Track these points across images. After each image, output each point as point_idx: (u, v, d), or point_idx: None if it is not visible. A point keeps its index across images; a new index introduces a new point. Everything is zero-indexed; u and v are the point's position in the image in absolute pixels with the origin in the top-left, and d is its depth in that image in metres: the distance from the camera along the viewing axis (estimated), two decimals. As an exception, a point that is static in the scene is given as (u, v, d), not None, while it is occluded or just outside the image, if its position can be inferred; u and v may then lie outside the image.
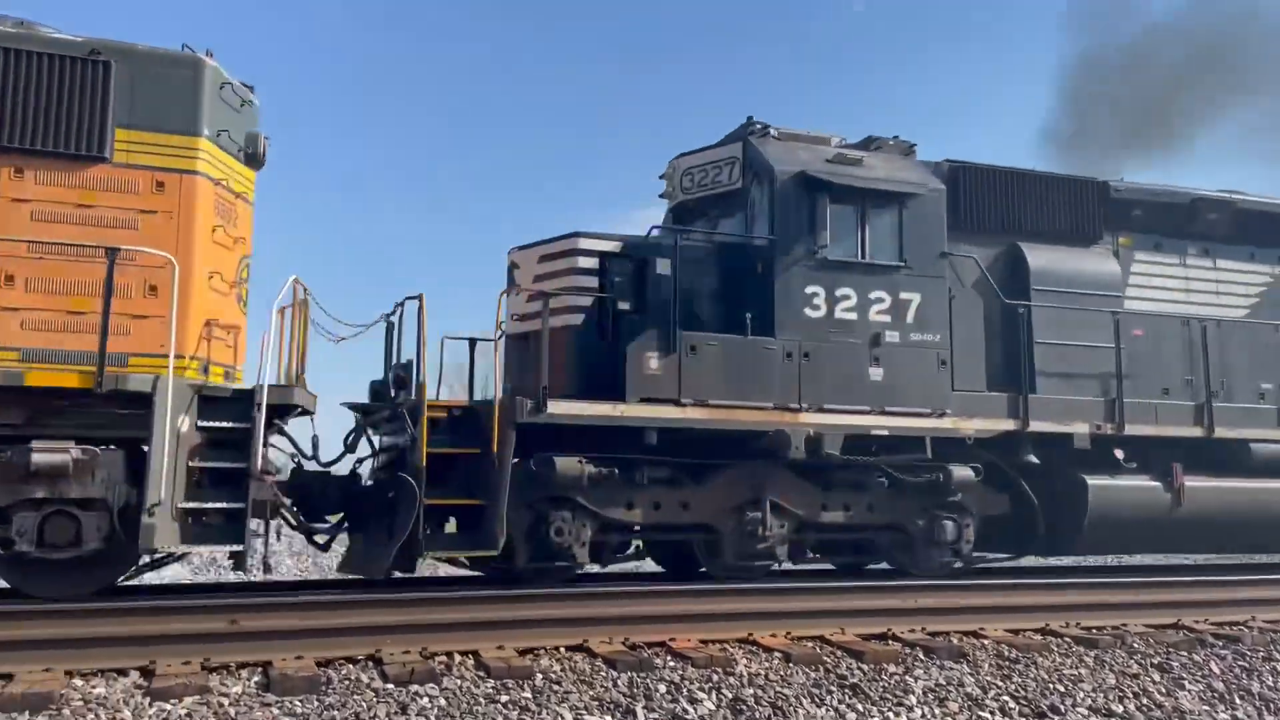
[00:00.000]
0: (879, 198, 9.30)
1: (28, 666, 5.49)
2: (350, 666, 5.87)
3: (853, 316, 9.08)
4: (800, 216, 9.04)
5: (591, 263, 8.85)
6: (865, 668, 6.45)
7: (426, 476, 7.66)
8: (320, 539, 8.40)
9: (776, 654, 6.57)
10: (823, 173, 9.14)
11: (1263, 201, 11.50)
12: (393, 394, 8.17)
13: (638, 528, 8.63)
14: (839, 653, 6.69)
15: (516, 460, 7.99)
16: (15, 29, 7.54)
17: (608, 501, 8.37)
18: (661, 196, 10.25)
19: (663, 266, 8.98)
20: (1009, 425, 9.49)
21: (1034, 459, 9.65)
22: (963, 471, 9.20)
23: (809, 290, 8.98)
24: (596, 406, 8.25)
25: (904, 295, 9.27)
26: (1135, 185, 10.97)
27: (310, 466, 8.32)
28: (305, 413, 8.49)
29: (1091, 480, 9.64)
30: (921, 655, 6.78)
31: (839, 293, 9.07)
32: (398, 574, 8.35)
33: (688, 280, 8.95)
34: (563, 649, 6.39)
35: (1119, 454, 9.87)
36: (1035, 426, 9.55)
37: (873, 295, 9.17)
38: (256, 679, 5.62)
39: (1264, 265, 11.44)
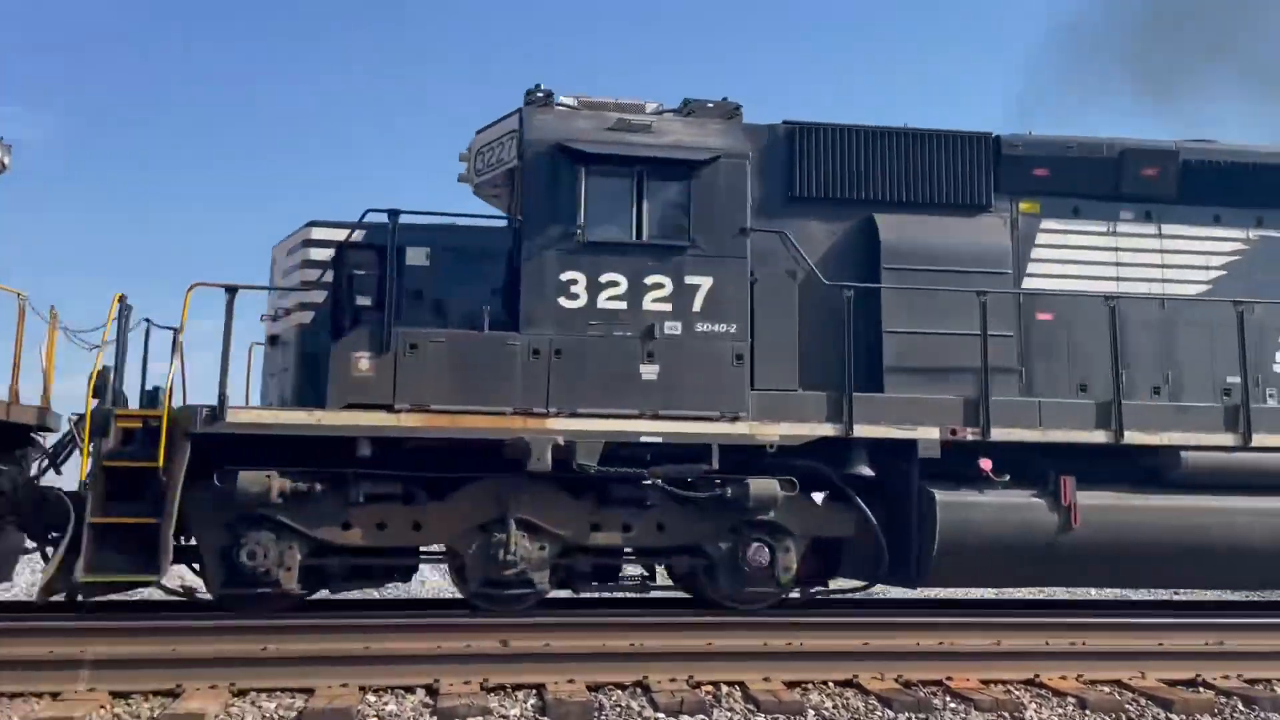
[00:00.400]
0: (661, 167, 7.97)
1: (327, 681, 5.81)
2: (619, 693, 5.94)
3: (621, 306, 7.79)
4: (555, 193, 7.85)
5: (325, 254, 7.97)
6: (1176, 718, 5.92)
7: (108, 492, 7.09)
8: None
9: (1070, 699, 6.11)
10: (584, 143, 7.90)
11: (1229, 151, 9.23)
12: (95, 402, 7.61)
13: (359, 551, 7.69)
14: (1142, 700, 6.14)
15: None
16: None
17: (318, 521, 7.48)
18: (461, 180, 9.22)
19: (415, 256, 8.05)
20: (828, 430, 7.89)
21: (867, 471, 8.00)
22: (764, 485, 7.72)
23: (565, 277, 7.77)
24: (289, 414, 7.40)
25: (690, 280, 7.89)
26: (1040, 139, 9.01)
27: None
28: (43, 428, 8.19)
29: (942, 496, 7.90)
30: (1240, 706, 6.10)
31: (604, 279, 7.81)
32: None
33: (444, 271, 7.99)
34: (831, 683, 6.21)
35: (985, 464, 8.02)
36: (862, 431, 7.91)
37: (649, 281, 7.85)
38: (532, 702, 5.76)
39: (1233, 230, 9.16)
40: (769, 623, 6.94)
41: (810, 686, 6.15)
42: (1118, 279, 8.90)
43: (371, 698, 5.72)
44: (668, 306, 7.84)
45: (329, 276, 7.97)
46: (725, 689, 6.06)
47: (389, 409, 7.41)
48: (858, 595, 9.36)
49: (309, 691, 5.72)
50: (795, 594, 8.51)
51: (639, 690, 5.98)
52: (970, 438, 8.00)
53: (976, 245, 8.63)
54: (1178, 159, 9.00)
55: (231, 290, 7.40)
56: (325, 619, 6.89)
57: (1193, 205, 9.04)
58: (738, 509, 7.76)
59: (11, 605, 9.14)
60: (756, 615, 7.46)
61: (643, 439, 7.62)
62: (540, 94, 8.46)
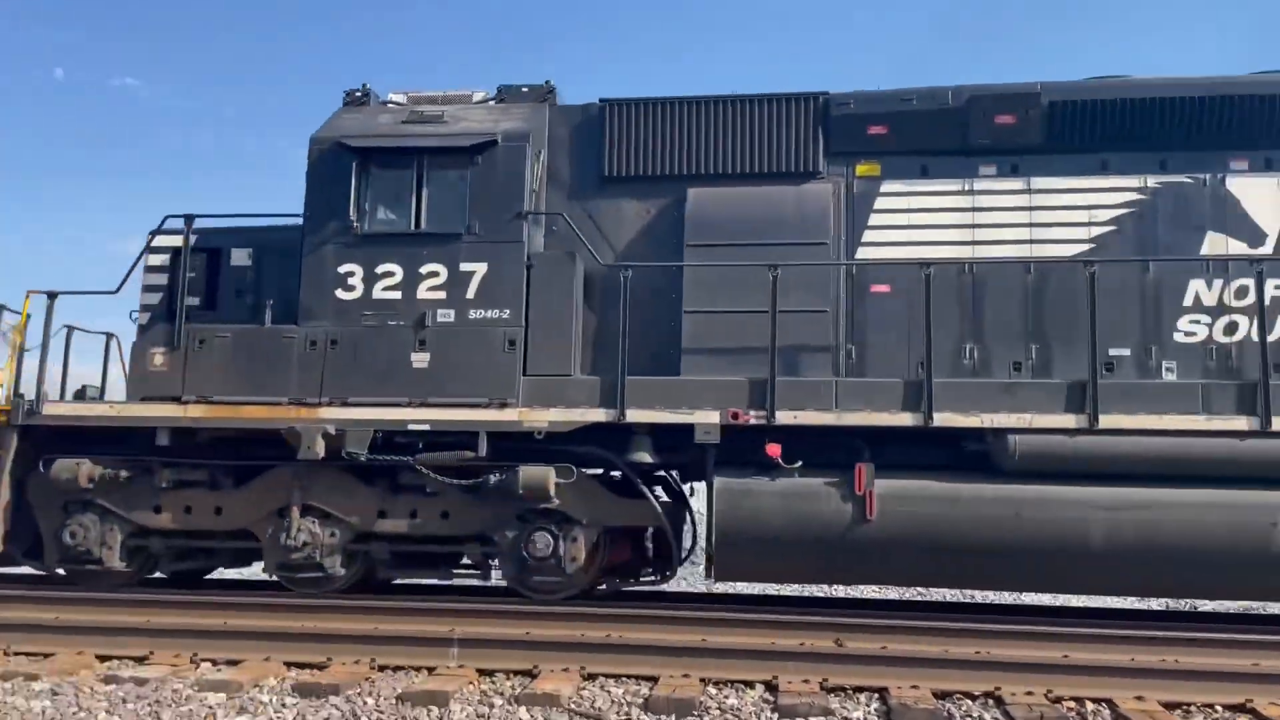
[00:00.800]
0: (439, 156, 7.99)
1: (669, 670, 6.10)
2: (969, 702, 5.73)
3: (397, 296, 7.89)
4: (333, 189, 8.05)
5: (162, 259, 8.64)
6: None
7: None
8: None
9: None
10: (360, 138, 8.07)
11: (1115, 85, 7.92)
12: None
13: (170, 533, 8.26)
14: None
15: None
16: None
17: (132, 505, 8.13)
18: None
19: (239, 256, 8.58)
20: (599, 416, 7.56)
21: (648, 458, 7.59)
22: (535, 473, 7.53)
23: (342, 270, 7.97)
24: (94, 407, 8.12)
25: (465, 267, 7.86)
26: (875, 93, 8.13)
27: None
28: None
29: (720, 483, 7.36)
30: None
31: (380, 270, 7.93)
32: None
33: (264, 270, 8.47)
34: (1220, 707, 5.65)
35: (773, 450, 7.36)
36: (635, 416, 7.51)
37: (425, 270, 7.89)
38: (875, 705, 5.66)
39: (1125, 178, 7.84)
40: (1139, 636, 6.31)
41: (1193, 708, 5.58)
42: (974, 242, 7.89)
43: (712, 690, 5.88)
44: (442, 294, 7.85)
45: (169, 278, 8.66)
46: (1090, 706, 5.63)
47: (178, 401, 7.95)
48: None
49: (653, 679, 5.99)
50: (604, 586, 8.22)
51: (990, 701, 5.68)
52: (754, 421, 7.39)
53: (796, 215, 7.95)
54: (1040, 101, 7.84)
55: (52, 295, 8.26)
56: (666, 609, 7.04)
57: (1070, 154, 7.85)
58: (515, 497, 7.62)
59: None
60: (1116, 628, 6.61)
61: (410, 427, 7.68)
62: (359, 93, 8.73)
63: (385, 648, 6.39)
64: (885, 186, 8.05)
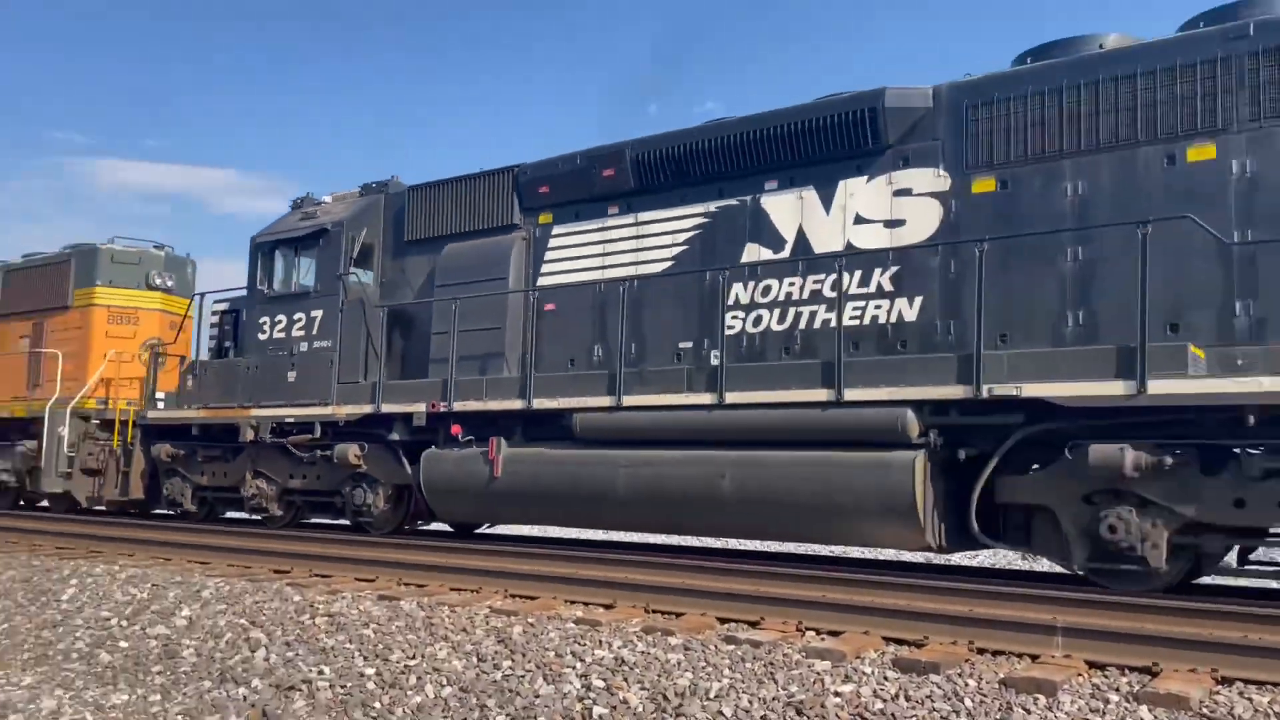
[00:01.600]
0: (304, 240, 12.36)
1: None
2: None
3: (283, 335, 12.40)
4: (256, 269, 12.79)
5: (214, 319, 13.98)
6: None
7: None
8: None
9: None
10: (269, 235, 12.71)
11: (671, 137, 10.15)
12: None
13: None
14: None
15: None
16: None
17: (191, 470, 13.56)
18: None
19: (245, 316, 13.70)
20: (368, 409, 11.40)
21: (396, 436, 11.27)
22: (344, 448, 11.60)
23: (260, 321, 12.69)
24: (160, 414, 13.65)
25: (312, 313, 12.15)
26: (541, 161, 10.93)
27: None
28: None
29: (426, 453, 10.88)
30: None
31: (276, 319, 12.50)
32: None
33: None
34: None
35: (455, 429, 10.67)
36: (386, 409, 11.22)
37: (295, 317, 12.32)
38: None
39: (695, 206, 9.92)
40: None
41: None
42: (604, 267, 10.46)
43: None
44: (301, 333, 12.21)
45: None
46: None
47: (192, 407, 13.22)
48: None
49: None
50: (408, 526, 12.05)
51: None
52: (443, 409, 10.77)
53: (495, 258, 11.09)
54: (626, 157, 10.18)
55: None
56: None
57: (658, 193, 10.16)
58: (340, 465, 11.72)
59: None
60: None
61: (285, 420, 12.15)
62: (298, 200, 13.35)
63: (983, 630, 6.27)
64: (555, 230, 10.89)
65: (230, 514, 14.14)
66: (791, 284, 9.23)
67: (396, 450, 11.38)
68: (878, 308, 8.79)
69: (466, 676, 6.13)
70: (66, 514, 15.09)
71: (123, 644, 7.46)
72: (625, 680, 5.81)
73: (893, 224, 8.85)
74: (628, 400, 9.51)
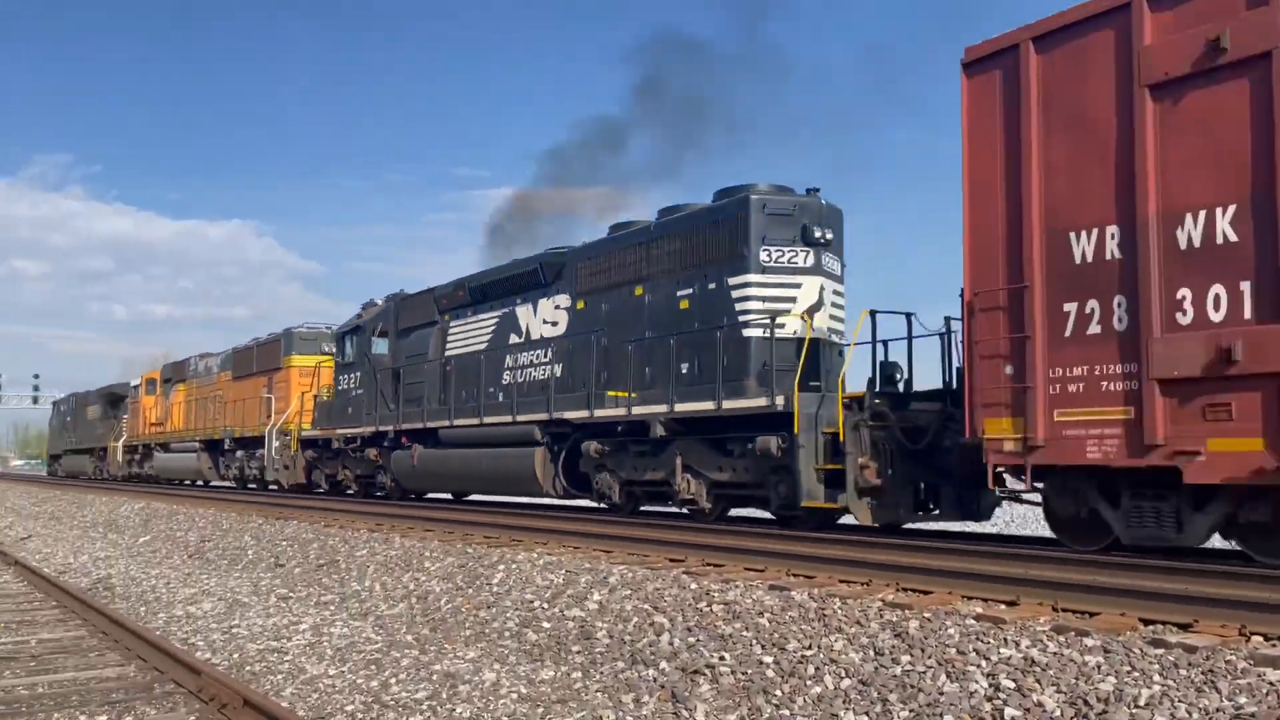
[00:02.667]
0: (351, 332, 21.71)
1: None
2: None
3: (346, 387, 21.53)
4: (344, 346, 22.10)
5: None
6: None
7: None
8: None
9: None
10: (341, 328, 22.54)
11: (482, 274, 18.08)
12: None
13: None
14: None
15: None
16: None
17: (328, 468, 23.31)
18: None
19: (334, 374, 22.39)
20: (371, 430, 20.03)
21: (386, 443, 19.79)
22: (369, 449, 20.42)
23: (338, 378, 22.01)
24: (307, 431, 23.59)
25: (355, 374, 21.14)
26: (444, 285, 19.06)
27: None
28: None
29: (394, 453, 19.30)
30: None
31: (344, 377, 21.78)
32: None
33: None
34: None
35: (404, 440, 18.79)
36: (380, 429, 19.66)
37: (351, 375, 21.37)
38: None
39: (495, 311, 17.35)
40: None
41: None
42: (465, 345, 18.05)
43: None
44: (353, 385, 21.25)
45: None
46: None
47: (315, 429, 22.76)
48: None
49: None
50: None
51: None
52: (395, 429, 19.02)
53: (426, 341, 19.19)
54: (466, 285, 18.18)
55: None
56: None
57: (483, 303, 17.78)
58: (367, 460, 20.62)
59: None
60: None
61: (344, 435, 21.03)
62: (365, 302, 22.32)
63: None
64: (451, 323, 18.64)
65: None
66: (522, 356, 16.52)
67: (388, 451, 19.59)
68: (544, 371, 15.84)
69: (865, 669, 6.06)
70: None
71: (545, 624, 8.18)
72: (1038, 682, 5.46)
73: (551, 324, 15.99)
74: (457, 421, 17.37)
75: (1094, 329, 8.42)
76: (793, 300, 12.25)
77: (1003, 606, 7.07)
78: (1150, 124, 8.13)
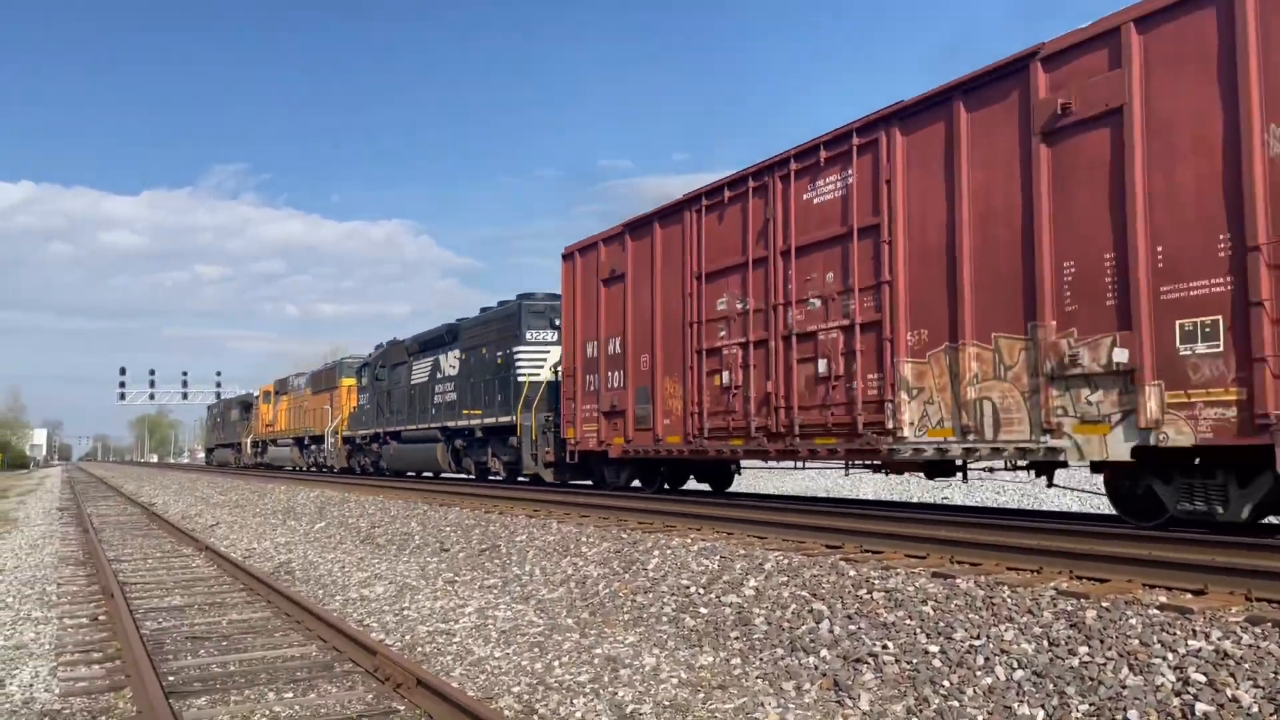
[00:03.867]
0: (364, 366, 27.98)
1: None
2: None
3: (359, 404, 26.43)
4: (359, 376, 27.20)
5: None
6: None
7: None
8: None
9: None
10: (361, 361, 28.30)
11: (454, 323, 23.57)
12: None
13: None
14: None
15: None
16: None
17: (365, 455, 26.41)
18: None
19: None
20: (375, 431, 24.23)
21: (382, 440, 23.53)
22: (374, 445, 24.74)
23: (358, 398, 26.90)
24: (350, 430, 22.88)
25: (368, 395, 25.63)
26: (410, 337, 24.71)
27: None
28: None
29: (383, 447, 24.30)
30: None
31: (363, 396, 26.77)
32: None
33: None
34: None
35: (388, 439, 22.77)
36: (378, 430, 23.04)
37: (364, 395, 26.34)
38: None
39: (430, 357, 23.93)
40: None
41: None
42: (417, 378, 23.55)
43: None
44: (367, 403, 26.43)
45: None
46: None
47: (348, 430, 27.16)
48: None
49: None
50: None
51: None
52: (388, 430, 22.94)
53: (403, 371, 25.12)
54: (419, 339, 24.16)
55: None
56: None
57: (426, 352, 23.79)
58: (368, 450, 25.75)
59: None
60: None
61: (362, 435, 25.63)
62: (380, 344, 25.62)
63: None
64: (415, 361, 23.76)
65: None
66: (438, 387, 22.61)
67: (383, 445, 24.06)
68: (451, 395, 22.42)
69: (1039, 660, 5.82)
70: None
71: (702, 610, 8.19)
72: (1232, 676, 5.11)
73: (452, 368, 22.72)
74: (409, 427, 23.27)
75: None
76: (544, 361, 21.14)
77: (1189, 595, 6.64)
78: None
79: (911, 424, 11.16)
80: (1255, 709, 4.82)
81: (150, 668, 6.89)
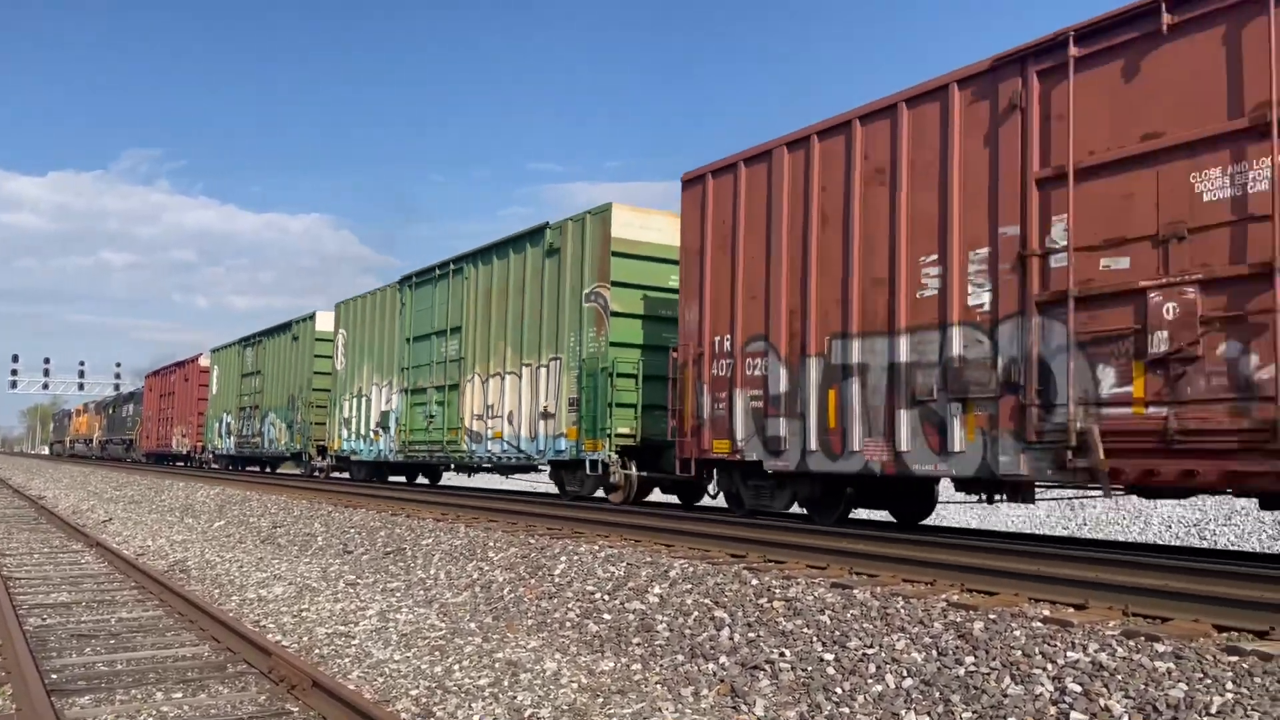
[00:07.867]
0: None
1: None
2: None
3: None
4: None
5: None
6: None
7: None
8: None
9: None
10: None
11: None
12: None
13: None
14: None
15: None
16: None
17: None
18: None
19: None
20: None
21: None
22: None
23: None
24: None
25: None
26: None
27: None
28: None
29: None
30: None
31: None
32: None
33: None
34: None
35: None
36: None
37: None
38: None
39: None
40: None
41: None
42: None
43: None
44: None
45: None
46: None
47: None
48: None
49: None
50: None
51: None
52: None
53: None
54: None
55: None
56: None
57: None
58: None
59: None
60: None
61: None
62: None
63: None
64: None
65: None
66: None
67: None
68: None
69: (928, 669, 6.01)
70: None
71: (606, 616, 8.24)
72: (1105, 686, 5.35)
73: None
74: None
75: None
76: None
77: (1071, 610, 6.93)
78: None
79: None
80: (1126, 718, 5.05)
81: (32, 665, 6.67)
